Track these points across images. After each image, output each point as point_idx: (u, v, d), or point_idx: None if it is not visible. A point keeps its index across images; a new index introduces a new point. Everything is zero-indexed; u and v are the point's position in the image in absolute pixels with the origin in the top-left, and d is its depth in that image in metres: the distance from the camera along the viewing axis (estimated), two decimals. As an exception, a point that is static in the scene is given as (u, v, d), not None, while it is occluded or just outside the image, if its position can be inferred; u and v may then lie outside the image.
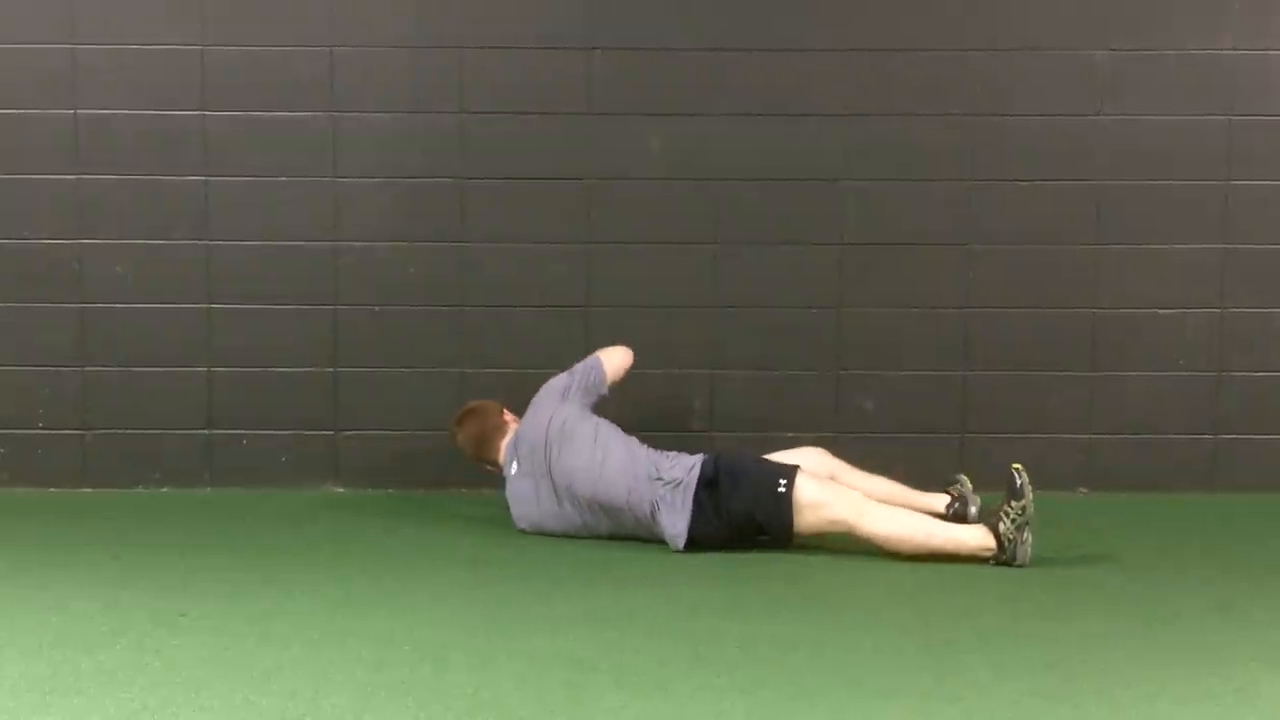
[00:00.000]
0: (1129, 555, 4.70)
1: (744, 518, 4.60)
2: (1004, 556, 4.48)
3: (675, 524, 4.61)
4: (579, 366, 4.98)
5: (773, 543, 4.64)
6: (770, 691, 3.45)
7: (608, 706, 3.35)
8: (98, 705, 3.35)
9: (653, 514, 4.63)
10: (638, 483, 4.65)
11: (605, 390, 4.99)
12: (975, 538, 4.53)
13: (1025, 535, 4.46)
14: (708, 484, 4.61)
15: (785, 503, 4.56)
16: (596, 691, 3.44)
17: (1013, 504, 4.47)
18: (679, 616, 4.04)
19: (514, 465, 4.86)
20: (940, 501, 4.90)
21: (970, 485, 4.91)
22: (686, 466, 4.65)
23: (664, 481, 4.63)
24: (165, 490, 5.46)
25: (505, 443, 4.94)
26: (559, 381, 4.95)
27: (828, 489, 4.62)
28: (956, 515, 4.86)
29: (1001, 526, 4.48)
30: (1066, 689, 3.48)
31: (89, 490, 5.44)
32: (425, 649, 3.74)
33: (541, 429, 4.81)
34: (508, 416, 5.01)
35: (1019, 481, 4.46)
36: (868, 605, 4.17)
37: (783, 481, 4.58)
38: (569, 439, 4.75)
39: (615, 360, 5.03)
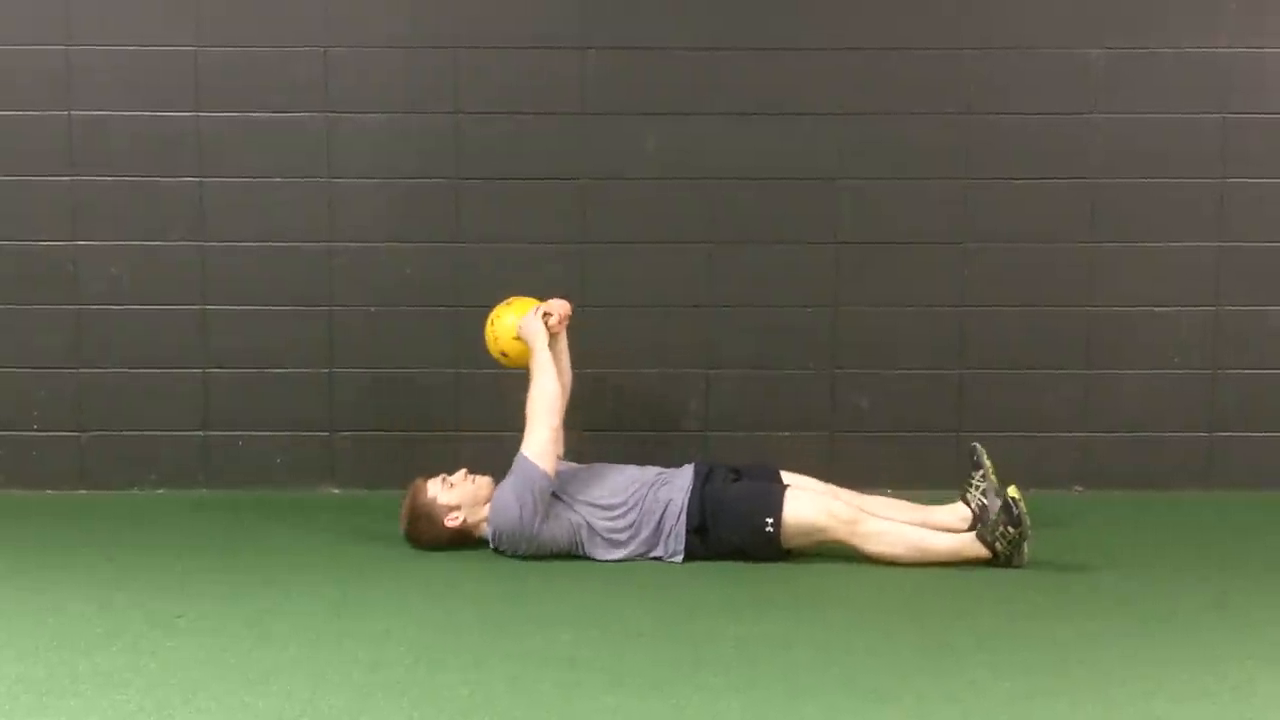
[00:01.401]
0: (1125, 554, 4.71)
1: (733, 551, 4.58)
2: (1000, 562, 4.52)
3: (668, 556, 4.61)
4: (522, 486, 4.53)
5: None
6: (766, 692, 3.46)
7: (603, 707, 3.36)
8: (94, 707, 3.35)
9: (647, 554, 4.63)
10: (629, 549, 4.62)
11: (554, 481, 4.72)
12: (971, 550, 4.54)
13: (1023, 548, 4.49)
14: (697, 530, 4.57)
15: (774, 541, 4.54)
16: (591, 691, 3.45)
17: (1010, 529, 4.49)
18: (675, 617, 4.04)
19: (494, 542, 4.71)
20: (959, 516, 4.85)
21: (991, 472, 4.83)
22: (673, 514, 4.58)
23: (647, 536, 4.60)
24: (161, 492, 5.45)
25: (484, 533, 4.68)
26: (510, 502, 4.53)
27: (820, 514, 4.55)
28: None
29: (999, 546, 4.50)
30: (1063, 688, 3.48)
31: (85, 492, 5.44)
32: (421, 650, 3.74)
33: (517, 549, 4.62)
34: (452, 520, 4.64)
35: (1015, 511, 4.48)
36: (864, 605, 4.17)
37: (769, 521, 4.52)
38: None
39: (545, 443, 4.57)
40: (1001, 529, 4.48)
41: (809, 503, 4.58)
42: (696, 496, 4.60)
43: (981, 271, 5.42)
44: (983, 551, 4.51)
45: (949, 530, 4.79)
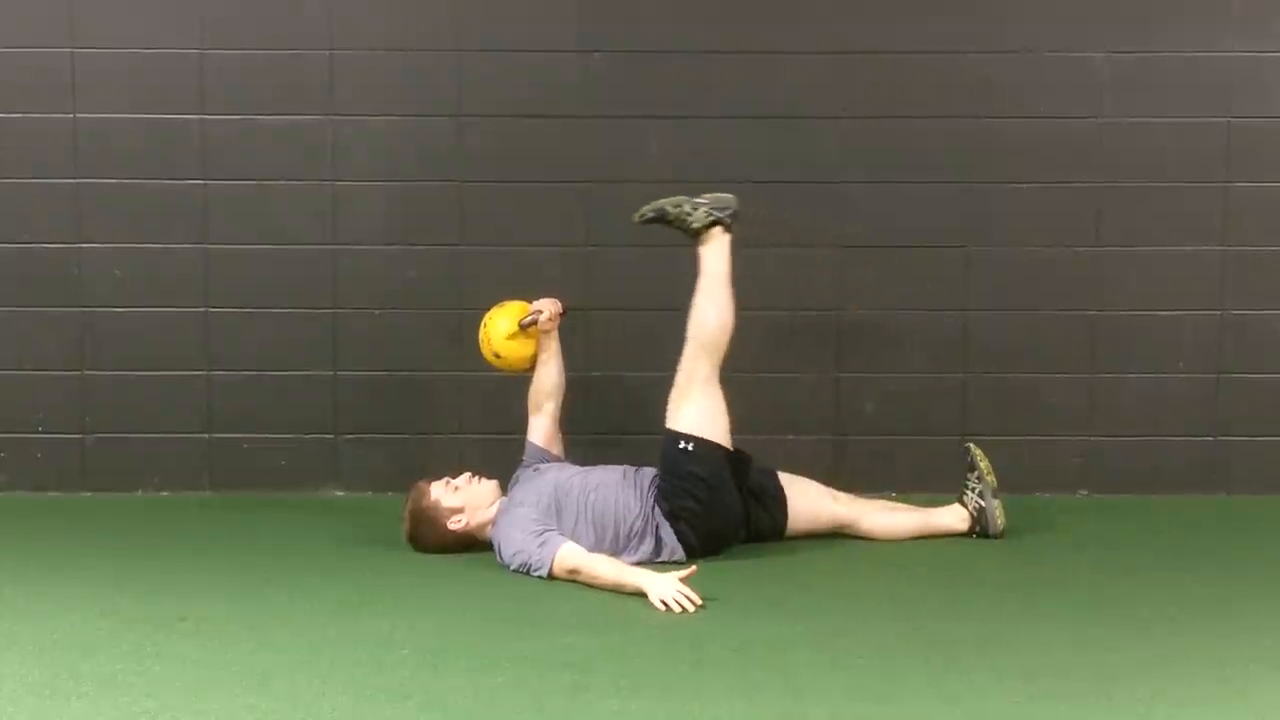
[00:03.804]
0: (1128, 557, 4.70)
1: (705, 503, 4.55)
2: (978, 528, 4.76)
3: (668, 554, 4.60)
4: (527, 556, 4.41)
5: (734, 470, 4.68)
6: (769, 694, 3.46)
7: (607, 709, 3.36)
8: (97, 709, 3.35)
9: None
10: (633, 557, 4.57)
11: (552, 447, 4.90)
12: (953, 517, 4.82)
13: (992, 502, 4.71)
14: (671, 516, 4.57)
15: (702, 448, 4.57)
16: (596, 694, 3.44)
17: (970, 476, 4.76)
18: (679, 619, 4.04)
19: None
20: (958, 517, 4.87)
21: (987, 474, 4.84)
22: (659, 516, 4.58)
23: (650, 548, 4.58)
24: (165, 494, 5.45)
25: (487, 536, 4.64)
26: (517, 554, 4.45)
27: (698, 403, 4.62)
28: (981, 534, 4.86)
29: (966, 498, 4.73)
30: (1066, 691, 3.48)
31: (88, 494, 5.44)
32: (425, 652, 3.74)
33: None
34: (455, 523, 4.64)
35: (969, 455, 4.78)
36: (867, 607, 4.17)
37: (682, 444, 4.58)
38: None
39: (569, 570, 4.35)
40: (964, 480, 4.79)
41: (685, 402, 4.64)
42: (660, 496, 4.60)
43: (986, 275, 5.42)
44: (961, 514, 4.82)
45: (950, 533, 4.81)
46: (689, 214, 4.67)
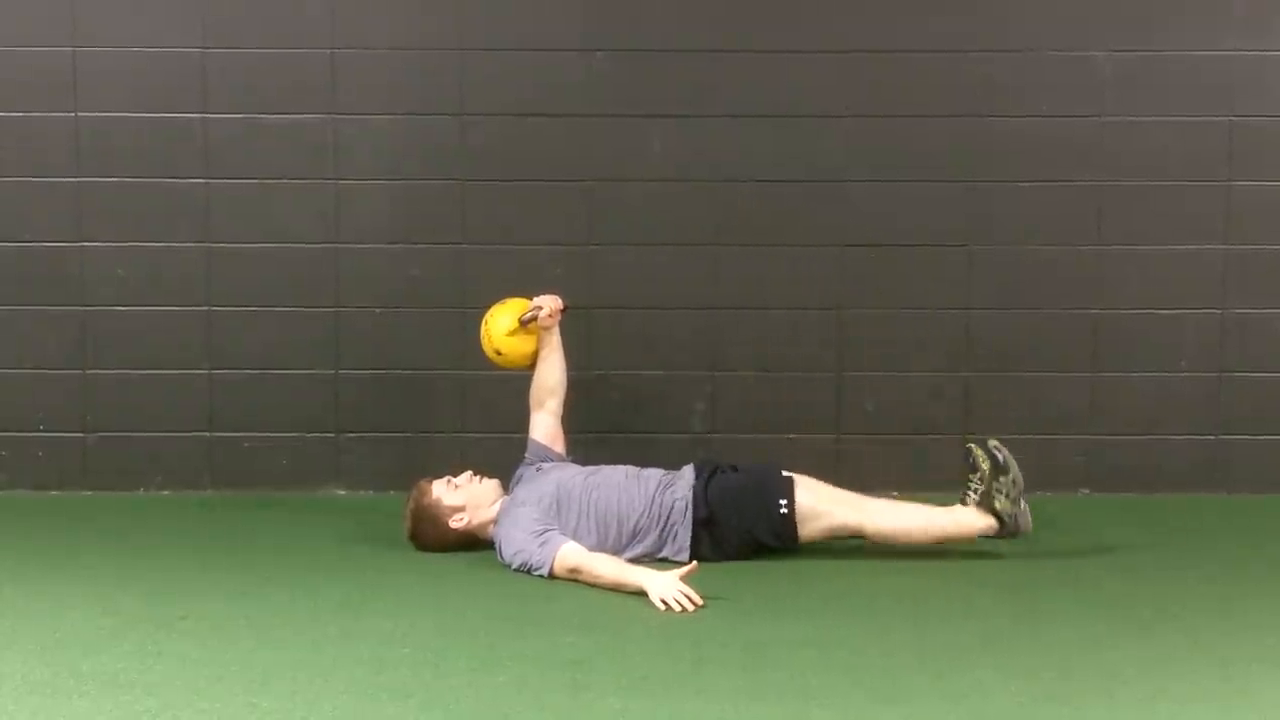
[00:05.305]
0: (1130, 556, 4.70)
1: (741, 540, 4.59)
2: (1007, 531, 4.57)
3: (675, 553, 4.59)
4: (528, 556, 4.42)
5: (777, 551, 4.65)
6: (770, 693, 3.46)
7: (609, 709, 3.35)
8: (98, 708, 3.36)
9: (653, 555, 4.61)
10: (634, 552, 4.58)
11: (554, 444, 4.91)
12: (975, 521, 4.59)
13: (1022, 505, 4.55)
14: (705, 522, 4.57)
15: (790, 523, 4.56)
16: (598, 693, 3.45)
17: (1001, 479, 4.55)
18: (682, 619, 4.04)
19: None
20: (975, 517, 4.84)
21: (988, 474, 4.83)
22: (679, 511, 4.57)
23: (653, 541, 4.58)
24: (166, 493, 5.45)
25: (489, 535, 4.64)
26: (518, 555, 4.45)
27: (824, 497, 4.61)
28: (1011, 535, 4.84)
29: (998, 504, 4.54)
30: (1068, 690, 3.48)
31: (89, 493, 5.44)
32: (427, 651, 3.74)
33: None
34: (457, 521, 4.66)
35: (1000, 457, 4.57)
36: (870, 607, 4.17)
37: (783, 502, 4.56)
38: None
39: (570, 568, 4.37)
40: (993, 482, 4.53)
41: (816, 489, 4.62)
42: (701, 489, 4.60)
43: (987, 274, 5.41)
44: (988, 520, 4.55)
45: (971, 534, 4.80)
46: (1001, 495, 4.56)
